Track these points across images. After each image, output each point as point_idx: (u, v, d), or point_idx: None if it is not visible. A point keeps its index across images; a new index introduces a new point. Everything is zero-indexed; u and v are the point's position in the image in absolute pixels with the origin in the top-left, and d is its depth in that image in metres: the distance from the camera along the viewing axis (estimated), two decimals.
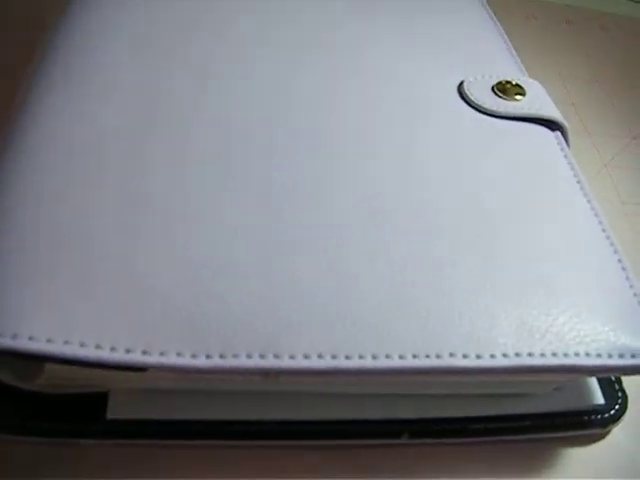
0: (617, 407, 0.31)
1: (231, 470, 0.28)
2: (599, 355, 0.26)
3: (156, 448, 0.28)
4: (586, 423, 0.30)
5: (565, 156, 0.34)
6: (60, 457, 0.27)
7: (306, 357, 0.24)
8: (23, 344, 0.23)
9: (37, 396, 0.27)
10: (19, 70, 0.36)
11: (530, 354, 0.25)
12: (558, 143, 0.35)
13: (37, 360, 0.24)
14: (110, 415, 0.28)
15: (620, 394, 0.31)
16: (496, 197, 0.31)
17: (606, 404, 0.30)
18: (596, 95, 0.52)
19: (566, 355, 0.25)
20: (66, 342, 0.23)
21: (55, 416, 0.27)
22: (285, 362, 0.24)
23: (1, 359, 0.26)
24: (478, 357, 0.25)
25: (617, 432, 0.31)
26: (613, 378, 0.31)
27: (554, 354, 0.25)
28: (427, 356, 0.24)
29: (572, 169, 0.33)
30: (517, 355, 0.25)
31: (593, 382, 0.31)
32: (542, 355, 0.25)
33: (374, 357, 0.24)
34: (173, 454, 0.28)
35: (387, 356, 0.24)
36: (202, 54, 0.35)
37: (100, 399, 0.28)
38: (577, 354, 0.25)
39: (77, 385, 0.27)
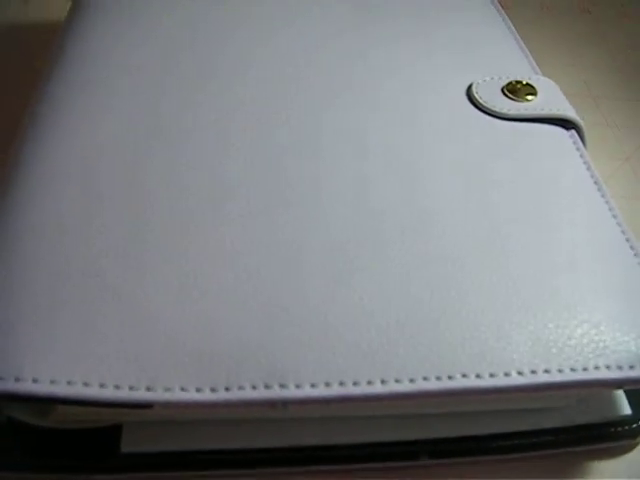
0: None
1: None
2: (620, 367, 0.24)
3: None
4: (613, 435, 0.29)
5: (581, 156, 0.33)
6: None
7: (313, 386, 0.23)
8: (26, 387, 0.23)
9: (50, 432, 0.27)
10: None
11: (547, 370, 0.24)
12: (573, 142, 0.34)
13: (42, 402, 0.23)
14: (124, 448, 0.27)
15: None
16: (507, 205, 0.30)
17: (634, 414, 0.29)
18: (616, 85, 0.50)
19: (585, 369, 0.24)
20: (69, 382, 0.23)
21: (68, 452, 0.27)
22: (291, 392, 0.23)
23: (13, 402, 0.26)
24: (492, 376, 0.24)
25: None
26: None
27: (573, 369, 0.24)
28: (438, 378, 0.24)
29: (588, 169, 0.32)
30: (533, 372, 0.24)
31: (619, 392, 0.30)
32: (560, 371, 0.24)
33: (383, 382, 0.23)
34: None
35: (397, 380, 0.24)
36: (201, 73, 0.35)
37: (115, 432, 0.28)
38: (597, 367, 0.24)
39: (91, 420, 0.27)
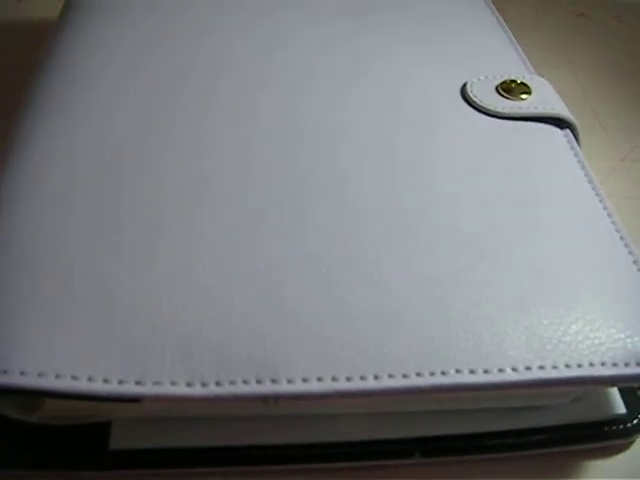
0: None
1: None
2: (615, 364, 0.24)
3: (161, 477, 0.27)
4: (607, 434, 0.28)
5: (575, 155, 0.33)
6: None
7: (305, 380, 0.23)
8: (14, 380, 0.22)
9: (38, 428, 0.27)
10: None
11: (541, 367, 0.24)
12: (568, 142, 0.34)
13: (30, 395, 0.23)
14: (113, 445, 0.27)
15: None
16: (502, 202, 0.29)
17: (628, 413, 0.29)
18: (611, 87, 0.50)
19: (580, 366, 0.24)
20: (58, 376, 0.23)
21: (56, 448, 0.27)
22: (283, 387, 0.23)
23: (1, 395, 0.25)
24: (486, 372, 0.24)
25: None
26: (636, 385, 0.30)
27: (567, 365, 0.24)
28: (432, 374, 0.23)
29: (582, 168, 0.32)
30: (527, 369, 0.24)
31: (613, 391, 0.29)
32: (554, 367, 0.24)
33: (376, 377, 0.23)
34: None
35: (390, 375, 0.23)
36: (187, 72, 0.35)
37: (103, 429, 0.27)
38: (592, 364, 0.24)
39: (79, 416, 0.27)
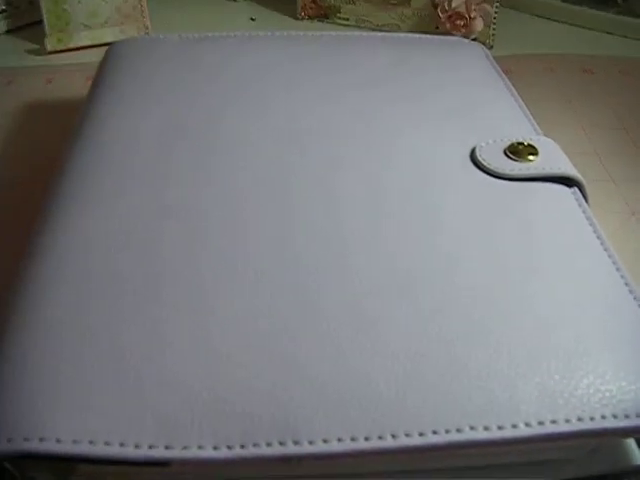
0: None
1: None
2: (627, 416, 0.25)
3: None
4: None
5: (583, 212, 0.34)
6: None
7: (325, 441, 0.24)
8: (50, 447, 0.24)
9: None
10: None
11: (554, 421, 0.25)
12: (576, 199, 0.35)
13: (65, 461, 0.24)
14: None
15: None
16: (512, 260, 0.31)
17: None
18: (621, 142, 0.51)
19: (592, 419, 0.25)
20: (91, 442, 0.24)
21: None
22: (305, 448, 0.24)
23: (36, 462, 0.26)
24: (500, 428, 0.24)
25: None
26: None
27: (580, 419, 0.25)
28: (447, 431, 0.24)
29: (591, 225, 0.33)
30: (540, 423, 0.25)
31: (630, 442, 0.30)
32: (567, 421, 0.25)
33: (394, 436, 0.24)
34: None
35: (407, 434, 0.24)
36: (212, 142, 0.37)
37: None
38: (604, 417, 0.25)
39: (110, 477, 0.28)
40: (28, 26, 0.70)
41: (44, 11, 0.65)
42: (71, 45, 0.66)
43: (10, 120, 0.55)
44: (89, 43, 0.66)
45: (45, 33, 0.65)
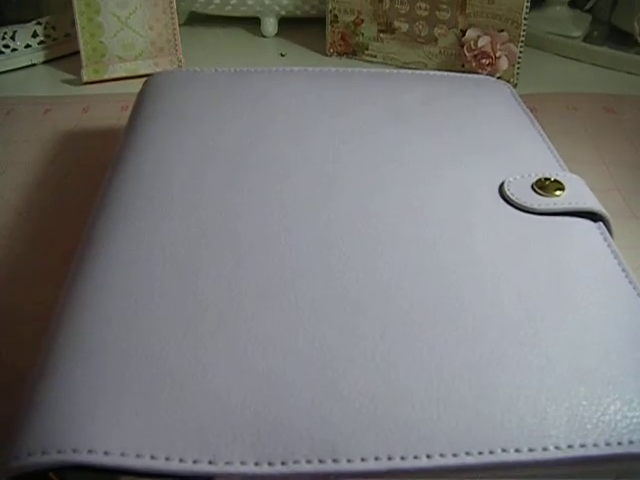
0: None
1: None
2: None
3: None
4: None
5: (608, 245, 0.35)
6: None
7: (363, 460, 0.25)
8: (98, 459, 0.25)
9: None
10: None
11: (583, 445, 0.26)
12: (601, 233, 0.36)
13: (112, 473, 0.25)
14: None
15: None
16: (541, 291, 0.32)
17: None
18: None
19: (620, 444, 0.26)
20: (138, 455, 0.25)
21: None
22: (343, 466, 0.25)
23: (80, 473, 0.27)
24: (530, 450, 0.25)
25: None
26: None
27: (607, 444, 0.26)
28: (480, 453, 0.25)
29: (616, 258, 0.34)
30: (570, 447, 0.26)
31: None
32: (595, 445, 0.26)
33: (428, 456, 0.25)
34: None
35: (441, 455, 0.25)
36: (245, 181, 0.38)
37: None
38: (631, 442, 0.26)
39: None
40: (65, 57, 0.73)
41: (81, 43, 0.67)
42: (106, 77, 0.68)
43: (48, 146, 0.57)
44: (123, 75, 0.68)
45: (82, 64, 0.68)
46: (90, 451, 0.25)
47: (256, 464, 0.25)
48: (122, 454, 0.25)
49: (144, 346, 0.28)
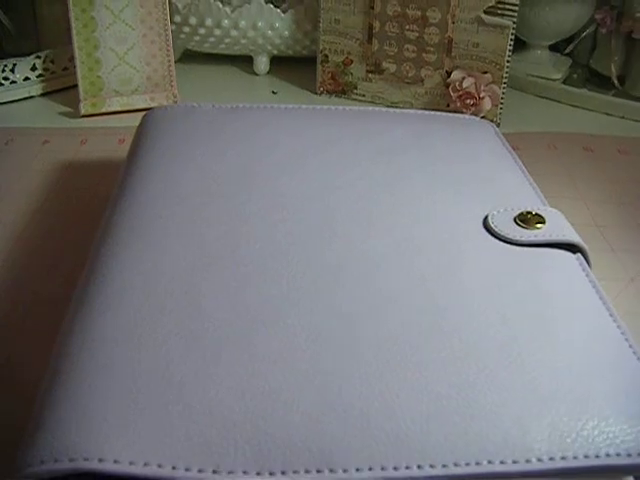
0: None
1: None
2: (629, 455, 0.28)
3: None
4: None
5: (587, 275, 0.37)
6: None
7: (358, 470, 0.27)
8: (109, 467, 0.26)
9: None
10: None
11: (563, 457, 0.27)
12: (579, 264, 0.38)
13: None
14: None
15: None
16: (523, 317, 0.34)
17: None
18: (618, 215, 0.55)
19: (597, 456, 0.28)
20: (146, 464, 0.26)
21: None
22: (340, 475, 0.27)
23: None
24: (514, 462, 0.27)
25: None
26: None
27: (586, 456, 0.28)
28: (467, 464, 0.27)
29: (594, 287, 0.37)
30: (551, 459, 0.27)
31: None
32: (575, 458, 0.27)
33: (419, 467, 0.27)
34: None
35: (431, 465, 0.27)
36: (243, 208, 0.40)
37: None
38: (608, 455, 0.28)
39: None
40: (63, 90, 0.74)
41: (80, 77, 0.69)
42: (103, 110, 0.70)
43: (47, 176, 0.58)
44: (120, 109, 0.70)
45: (79, 98, 0.70)
46: (101, 460, 0.26)
47: (258, 474, 0.27)
48: (131, 463, 0.26)
49: (150, 362, 0.30)
